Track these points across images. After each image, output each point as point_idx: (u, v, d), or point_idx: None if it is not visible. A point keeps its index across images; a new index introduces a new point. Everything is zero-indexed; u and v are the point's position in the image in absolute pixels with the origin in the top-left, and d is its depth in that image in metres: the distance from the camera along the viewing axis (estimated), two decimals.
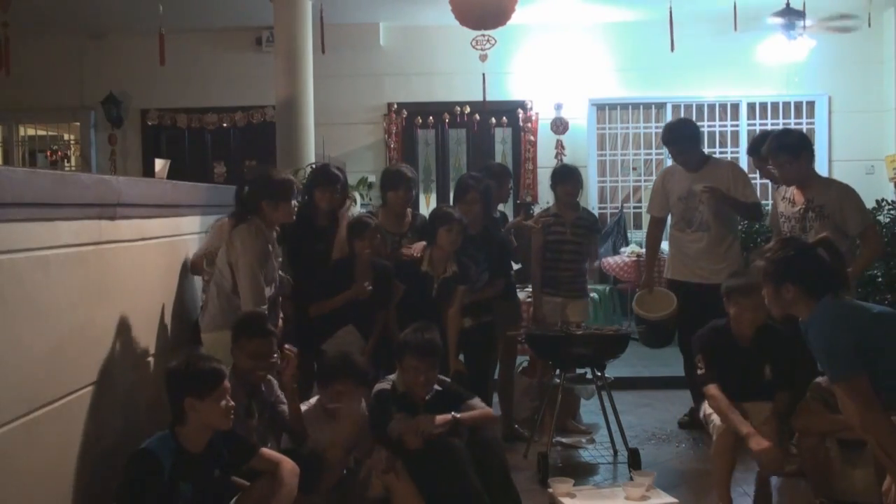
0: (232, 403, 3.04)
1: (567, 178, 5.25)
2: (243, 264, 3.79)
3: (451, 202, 5.08)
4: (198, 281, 4.32)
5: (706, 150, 5.66)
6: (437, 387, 3.87)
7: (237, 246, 3.81)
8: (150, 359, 3.77)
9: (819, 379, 3.64)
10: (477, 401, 3.93)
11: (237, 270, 3.81)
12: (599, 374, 4.68)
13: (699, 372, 3.82)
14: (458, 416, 3.73)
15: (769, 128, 9.18)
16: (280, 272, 4.10)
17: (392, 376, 3.90)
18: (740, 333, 3.84)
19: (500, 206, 5.65)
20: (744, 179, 5.18)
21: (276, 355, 3.57)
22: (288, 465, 3.17)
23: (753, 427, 3.57)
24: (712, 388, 3.71)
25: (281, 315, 4.23)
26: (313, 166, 6.53)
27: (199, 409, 2.97)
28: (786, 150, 4.45)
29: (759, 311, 3.71)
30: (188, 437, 3.00)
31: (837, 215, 4.35)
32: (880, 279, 5.65)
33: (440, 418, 3.69)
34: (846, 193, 4.44)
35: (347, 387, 3.67)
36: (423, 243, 4.66)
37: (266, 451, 3.23)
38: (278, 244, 4.16)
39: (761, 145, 4.91)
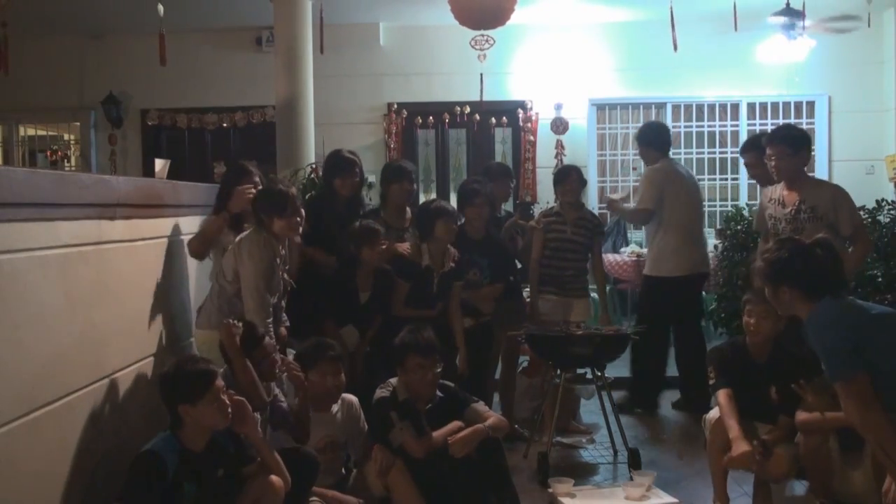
0: (227, 402, 3.04)
1: (566, 177, 5.27)
2: (248, 277, 3.74)
3: (457, 208, 5.07)
4: (196, 281, 4.32)
5: (706, 149, 5.73)
6: (438, 393, 3.87)
7: (244, 257, 3.76)
8: (150, 358, 3.77)
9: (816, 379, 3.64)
10: (481, 405, 3.93)
11: (242, 281, 3.77)
12: (599, 374, 4.68)
13: (711, 382, 3.82)
14: (489, 425, 3.73)
15: (769, 128, 9.21)
16: (285, 277, 4.09)
17: (393, 381, 3.89)
18: (755, 347, 3.83)
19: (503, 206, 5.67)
20: (642, 185, 5.77)
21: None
22: (274, 478, 3.17)
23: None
24: (722, 394, 3.71)
25: (287, 322, 4.23)
26: (313, 166, 6.56)
27: (193, 414, 2.97)
28: (788, 141, 4.42)
29: (766, 320, 3.72)
30: (188, 438, 3.00)
31: (831, 215, 4.32)
32: (880, 279, 5.64)
33: (468, 436, 3.67)
34: (839, 194, 4.42)
35: (328, 368, 3.74)
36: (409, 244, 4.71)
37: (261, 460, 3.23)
38: None
39: (752, 144, 4.97)
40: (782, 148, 4.40)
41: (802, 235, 4.19)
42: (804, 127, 8.80)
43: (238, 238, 3.87)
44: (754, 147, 4.94)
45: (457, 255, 4.67)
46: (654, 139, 5.79)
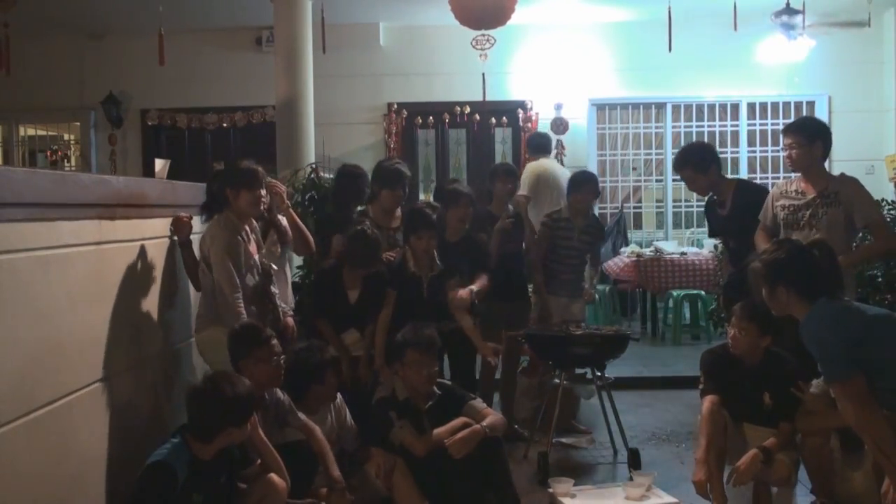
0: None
1: (582, 186, 5.23)
2: (213, 255, 3.78)
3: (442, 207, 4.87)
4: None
5: None
6: (436, 391, 3.88)
7: (206, 239, 3.84)
8: (151, 358, 3.77)
9: (815, 381, 3.63)
10: (479, 401, 3.93)
11: (211, 263, 3.80)
12: (599, 374, 4.68)
13: (700, 387, 3.81)
14: (486, 425, 3.73)
15: (769, 128, 9.22)
16: (264, 261, 4.06)
17: (388, 382, 3.90)
18: (735, 353, 3.82)
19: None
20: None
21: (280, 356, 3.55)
22: (276, 478, 3.19)
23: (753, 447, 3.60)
24: (707, 401, 3.70)
25: (290, 313, 4.23)
26: (313, 166, 6.56)
27: (236, 434, 3.00)
28: (802, 131, 4.39)
29: (746, 337, 3.68)
30: (204, 449, 2.98)
31: (849, 205, 4.31)
32: (880, 279, 5.65)
33: (469, 435, 3.68)
34: (858, 184, 4.41)
35: (334, 381, 3.75)
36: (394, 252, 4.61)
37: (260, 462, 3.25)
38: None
39: (687, 157, 4.84)
40: (797, 138, 4.37)
41: (822, 222, 4.18)
42: None
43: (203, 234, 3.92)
44: (686, 163, 4.77)
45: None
46: (533, 143, 7.41)
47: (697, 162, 4.68)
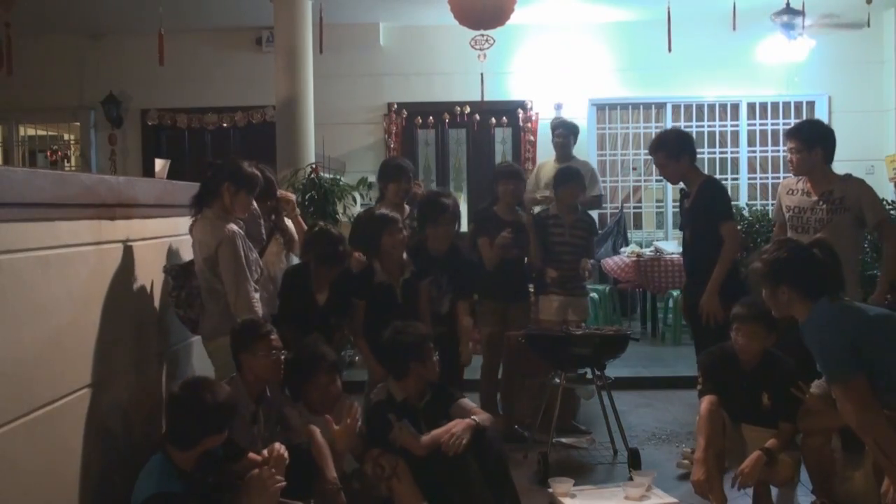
0: None
1: (568, 180, 5.24)
2: (225, 248, 3.60)
3: (419, 222, 4.83)
4: None
5: (706, 149, 5.70)
6: (428, 388, 3.89)
7: (207, 239, 3.65)
8: (151, 359, 3.77)
9: (817, 381, 3.63)
10: (466, 401, 3.95)
11: (221, 259, 3.62)
12: (599, 374, 4.68)
13: (698, 387, 3.82)
14: (478, 420, 3.73)
15: (769, 128, 9.23)
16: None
17: (386, 383, 3.90)
18: (743, 358, 3.83)
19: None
20: (594, 175, 6.44)
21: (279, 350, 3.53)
22: (269, 473, 3.14)
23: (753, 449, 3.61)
24: (705, 401, 3.71)
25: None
26: (313, 166, 6.57)
27: (216, 440, 2.97)
28: (800, 137, 4.40)
29: (756, 340, 3.69)
30: (185, 457, 2.94)
31: (857, 207, 4.32)
32: None
33: (461, 429, 3.67)
34: (864, 185, 4.42)
35: (327, 379, 3.72)
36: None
37: (252, 454, 3.22)
38: None
39: (661, 142, 4.81)
40: (795, 143, 4.39)
41: (829, 226, 4.19)
42: None
43: (196, 236, 3.76)
44: (661, 147, 4.74)
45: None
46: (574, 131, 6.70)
47: (670, 148, 4.64)
